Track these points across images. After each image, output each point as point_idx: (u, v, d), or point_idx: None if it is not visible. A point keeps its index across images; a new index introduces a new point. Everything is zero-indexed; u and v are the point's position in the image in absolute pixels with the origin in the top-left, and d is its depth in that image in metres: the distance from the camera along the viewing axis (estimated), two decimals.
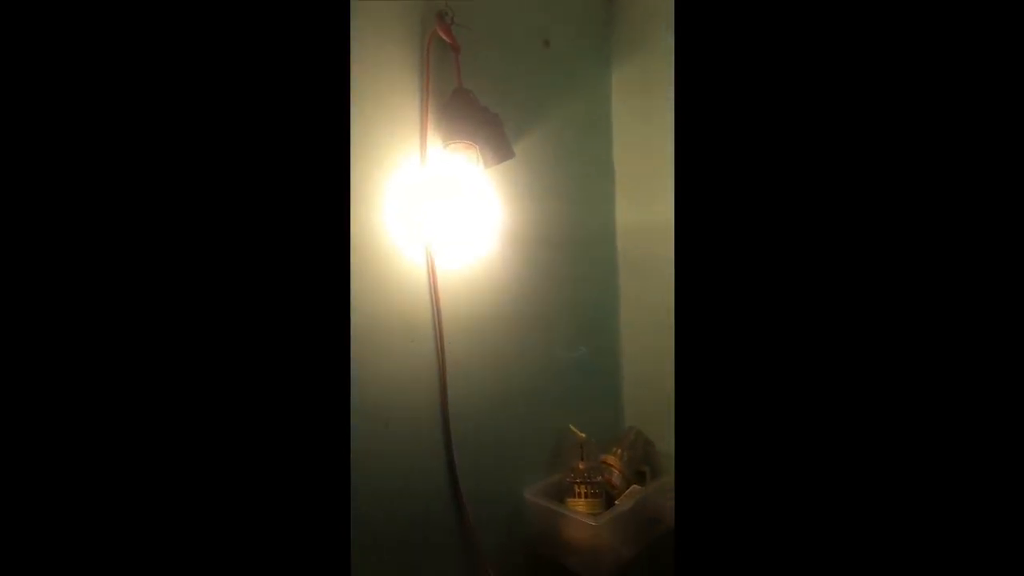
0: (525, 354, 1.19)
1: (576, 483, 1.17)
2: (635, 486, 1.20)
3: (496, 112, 1.03)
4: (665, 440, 1.31)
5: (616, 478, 1.22)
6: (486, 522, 1.10)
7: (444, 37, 1.00)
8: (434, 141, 1.00)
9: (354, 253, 0.89)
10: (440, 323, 1.01)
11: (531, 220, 1.19)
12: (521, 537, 1.16)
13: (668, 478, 1.23)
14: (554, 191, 1.24)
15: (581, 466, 1.19)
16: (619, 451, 1.26)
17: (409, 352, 0.97)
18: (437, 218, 1.00)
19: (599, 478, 1.19)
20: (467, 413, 1.06)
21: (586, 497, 1.15)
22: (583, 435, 1.21)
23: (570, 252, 1.28)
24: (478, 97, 1.02)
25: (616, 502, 1.16)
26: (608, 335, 1.39)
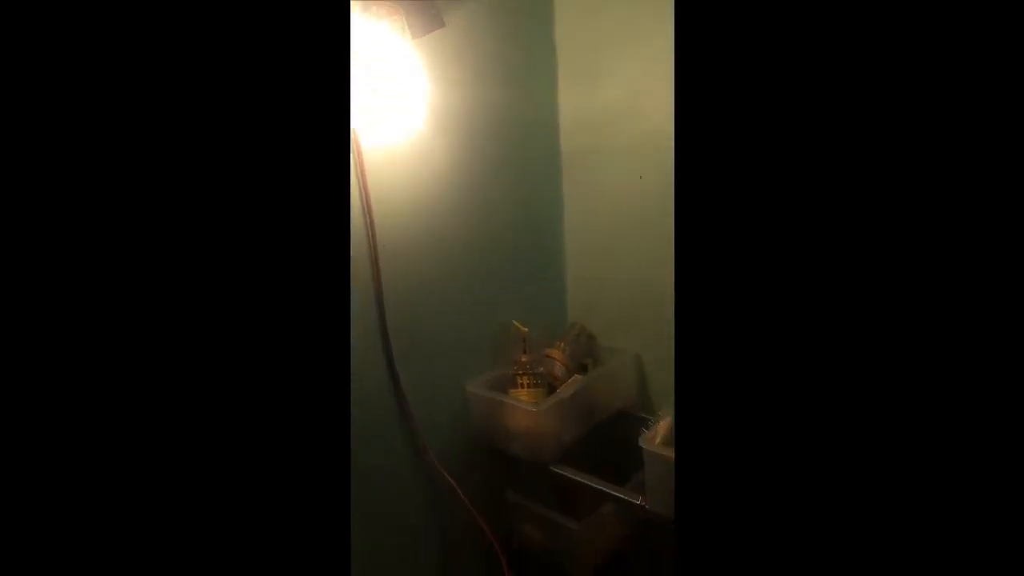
0: (463, 248, 1.15)
1: (519, 375, 1.18)
2: (576, 375, 1.22)
3: None
4: (607, 335, 1.33)
5: (559, 370, 1.23)
6: (428, 414, 1.10)
7: None
8: (352, 3, 0.90)
9: None
10: (369, 204, 0.95)
11: (465, 102, 1.11)
12: (464, 428, 1.18)
13: (608, 366, 1.26)
14: (489, 69, 1.15)
15: (524, 358, 1.19)
16: (562, 345, 1.27)
17: None
18: (360, 91, 0.91)
19: (541, 370, 1.20)
20: (404, 304, 1.03)
21: (528, 387, 1.17)
22: (525, 329, 1.20)
23: (509, 138, 1.22)
24: None
25: (558, 391, 1.17)
26: (551, 231, 1.36)
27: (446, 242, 1.12)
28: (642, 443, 0.94)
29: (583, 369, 1.29)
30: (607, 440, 1.23)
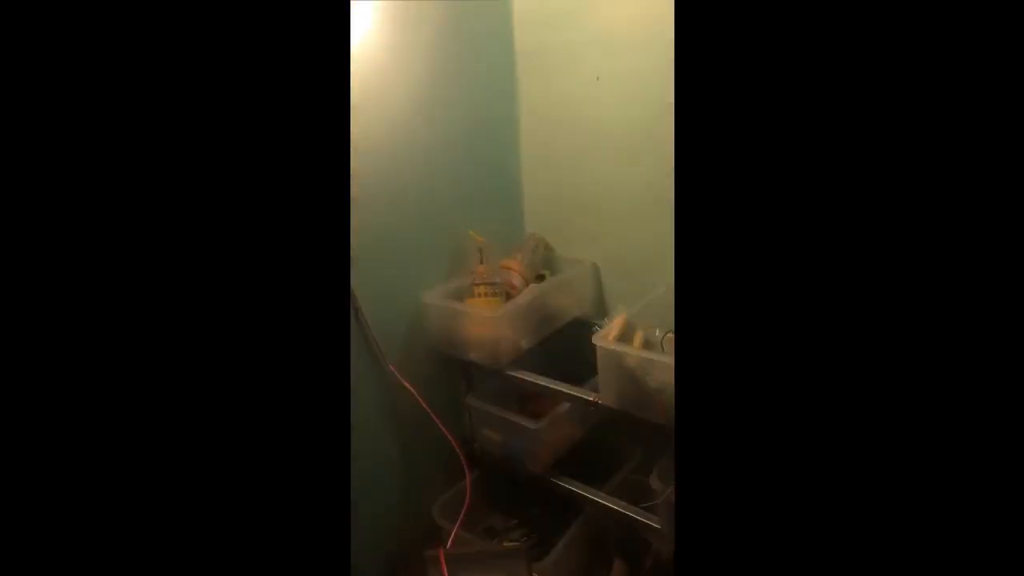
0: (415, 155, 1.11)
1: (476, 285, 1.18)
2: (533, 286, 1.22)
3: None
4: (565, 246, 1.33)
5: (516, 280, 1.23)
6: (385, 326, 1.09)
7: None
8: None
9: None
10: None
11: None
12: (422, 338, 1.18)
13: (565, 275, 1.27)
14: None
15: (480, 269, 1.19)
16: (519, 256, 1.26)
17: None
18: None
19: (498, 280, 1.20)
20: (355, 215, 0.99)
21: (486, 297, 1.17)
22: (482, 239, 1.19)
23: (460, 36, 1.15)
24: None
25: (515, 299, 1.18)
26: (506, 136, 1.32)
27: (397, 149, 1.07)
28: (596, 341, 0.96)
29: (541, 280, 1.29)
30: (564, 347, 1.25)
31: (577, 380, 1.09)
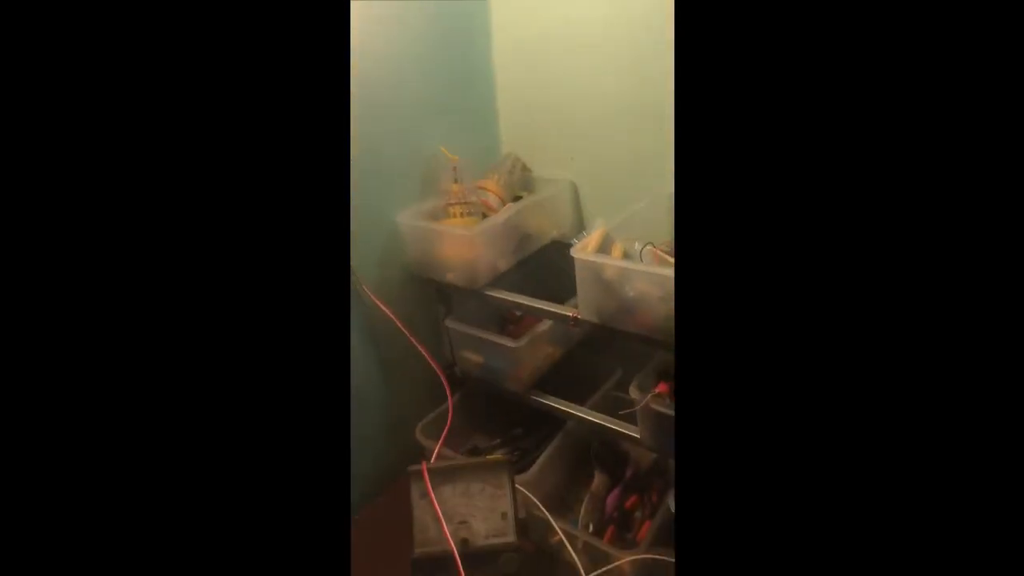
0: (380, 67, 1.05)
1: (451, 205, 1.14)
2: (510, 205, 1.19)
3: None
4: (543, 166, 1.29)
5: (493, 201, 1.20)
6: (361, 249, 1.06)
7: None
8: None
9: None
10: None
11: None
12: (399, 261, 1.15)
13: (543, 194, 1.24)
14: None
15: (455, 188, 1.15)
16: (496, 177, 1.22)
17: None
18: None
19: (474, 199, 1.17)
20: None
21: (461, 216, 1.14)
22: (455, 157, 1.15)
23: None
24: None
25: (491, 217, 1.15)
26: (479, 54, 1.25)
27: (364, 65, 1.00)
28: (574, 253, 0.95)
29: (518, 201, 1.26)
30: (543, 271, 1.24)
31: (557, 302, 1.08)
